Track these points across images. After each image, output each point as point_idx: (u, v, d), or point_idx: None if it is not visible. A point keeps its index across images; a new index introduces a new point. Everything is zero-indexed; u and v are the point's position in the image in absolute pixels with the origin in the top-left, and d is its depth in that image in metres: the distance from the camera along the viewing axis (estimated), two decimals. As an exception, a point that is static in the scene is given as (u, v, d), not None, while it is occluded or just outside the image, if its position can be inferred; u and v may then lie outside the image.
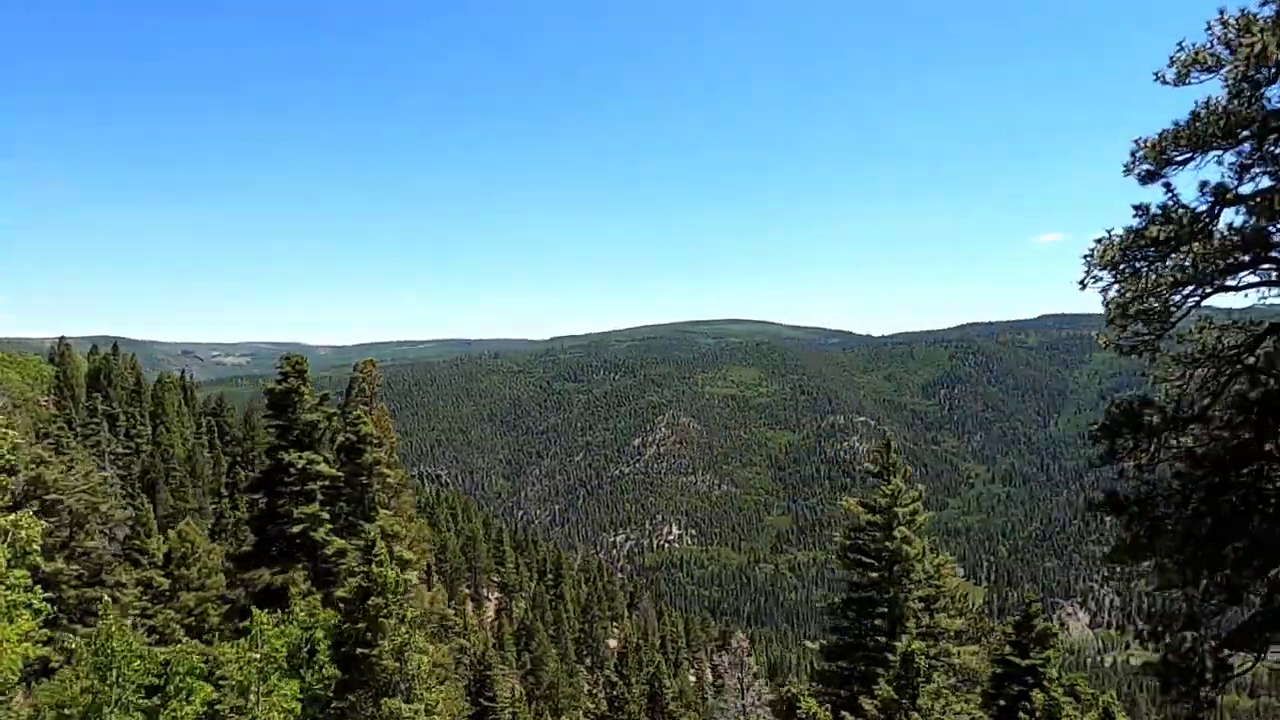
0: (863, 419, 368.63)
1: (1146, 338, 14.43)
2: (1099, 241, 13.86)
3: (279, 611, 23.21)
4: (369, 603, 22.10)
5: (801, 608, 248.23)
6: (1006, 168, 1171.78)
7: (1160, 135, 12.80)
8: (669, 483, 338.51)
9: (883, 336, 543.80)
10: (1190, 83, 12.36)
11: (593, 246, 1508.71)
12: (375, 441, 34.79)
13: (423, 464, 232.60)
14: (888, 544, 29.08)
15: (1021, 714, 27.77)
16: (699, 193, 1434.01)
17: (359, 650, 21.94)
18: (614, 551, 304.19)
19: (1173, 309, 14.07)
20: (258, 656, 19.37)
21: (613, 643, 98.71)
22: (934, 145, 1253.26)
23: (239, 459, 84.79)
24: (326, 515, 31.66)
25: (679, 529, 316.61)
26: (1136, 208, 13.29)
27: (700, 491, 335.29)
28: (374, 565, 22.45)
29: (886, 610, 28.92)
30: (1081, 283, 14.49)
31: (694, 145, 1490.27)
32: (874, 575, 29.00)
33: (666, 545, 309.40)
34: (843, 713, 24.25)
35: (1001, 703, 29.90)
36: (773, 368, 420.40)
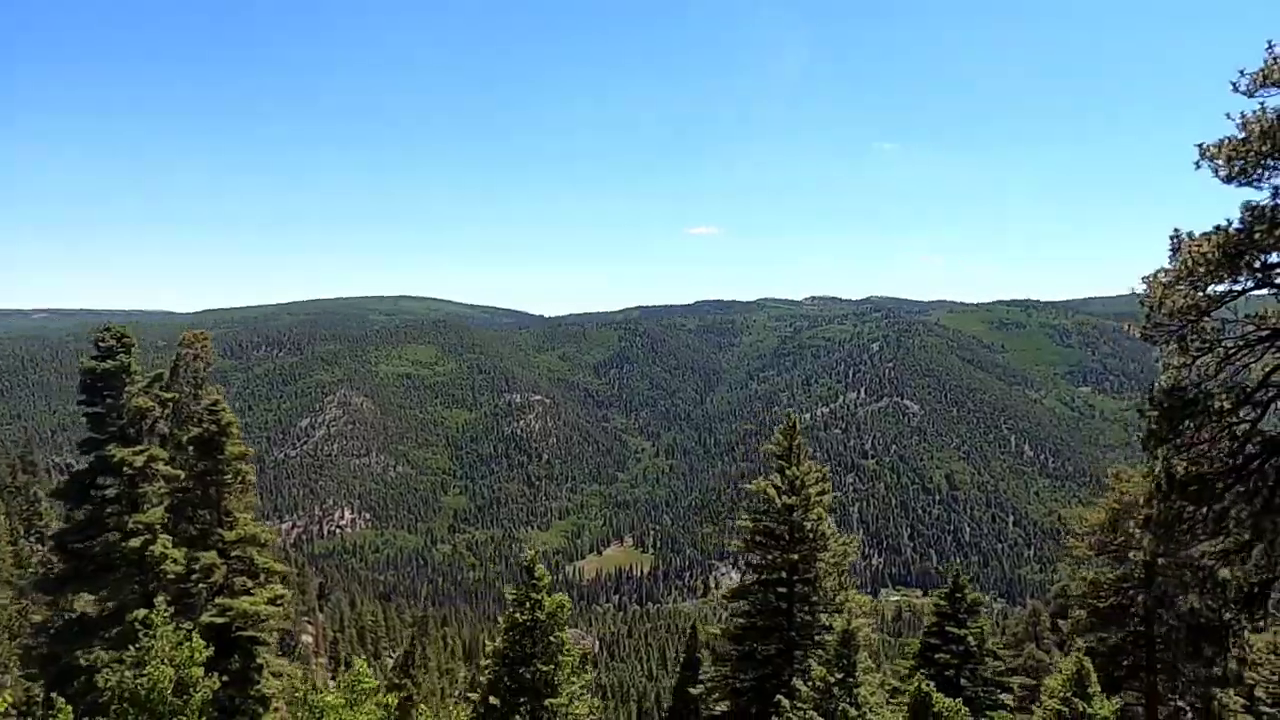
0: (539, 397, 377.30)
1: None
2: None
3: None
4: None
5: (480, 586, 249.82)
6: (664, 163, 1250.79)
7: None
8: (341, 465, 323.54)
9: (556, 317, 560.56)
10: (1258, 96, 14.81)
11: (251, 208, 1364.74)
12: (237, 432, 29.40)
13: (45, 451, 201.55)
14: (805, 524, 29.10)
15: (963, 679, 29.94)
16: (374, 161, 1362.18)
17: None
18: (280, 539, 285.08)
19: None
20: None
21: (308, 638, 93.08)
22: (601, 137, 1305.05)
23: None
24: (164, 524, 26.51)
25: (352, 513, 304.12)
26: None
27: (375, 473, 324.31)
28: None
29: (803, 589, 29.15)
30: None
31: (356, 112, 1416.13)
32: (792, 556, 28.92)
33: (338, 531, 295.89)
34: (778, 695, 23.99)
35: (934, 669, 31.12)
36: (449, 346, 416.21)
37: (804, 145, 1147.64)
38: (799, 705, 22.46)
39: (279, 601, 27.62)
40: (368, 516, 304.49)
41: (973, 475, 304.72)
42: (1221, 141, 16.52)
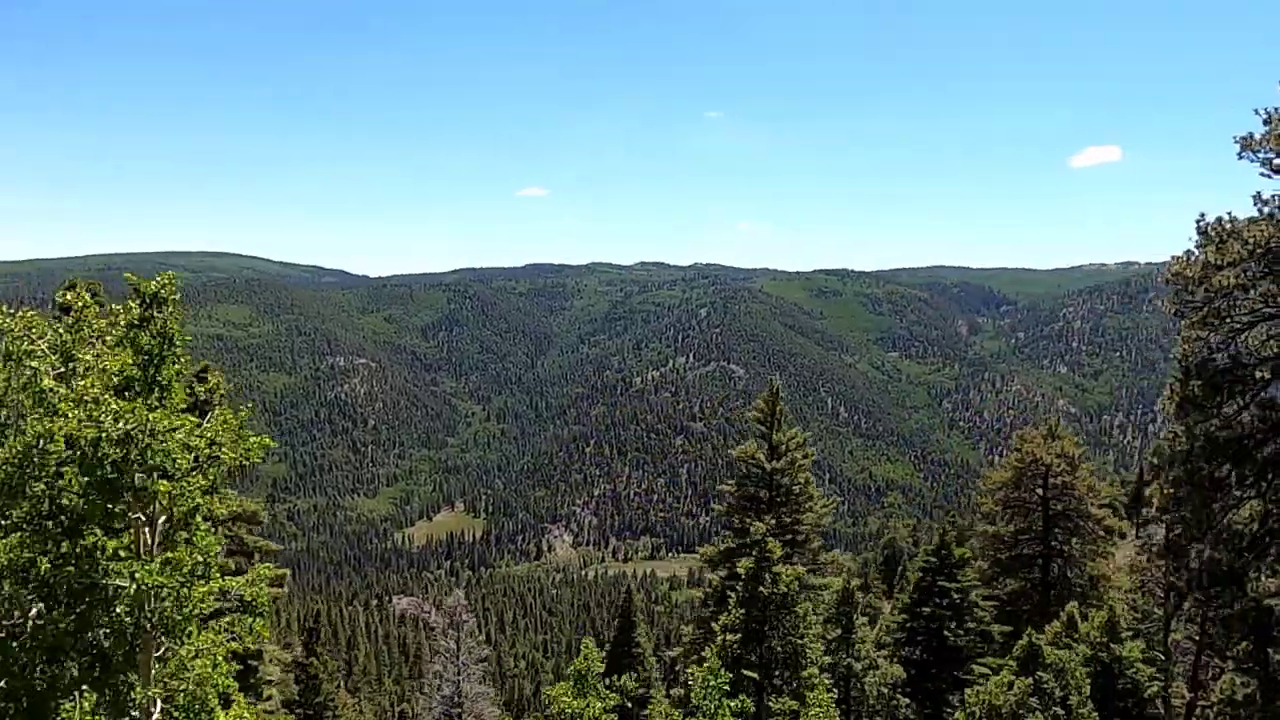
0: (363, 361, 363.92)
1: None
2: None
3: None
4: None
5: (304, 556, 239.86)
6: (492, 122, 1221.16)
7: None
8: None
9: (381, 277, 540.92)
10: None
11: (21, 150, 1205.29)
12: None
13: None
14: (794, 488, 29.59)
15: (946, 632, 29.79)
16: (170, 100, 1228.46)
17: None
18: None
19: None
20: None
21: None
22: (426, 93, 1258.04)
23: None
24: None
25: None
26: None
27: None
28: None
29: (786, 551, 29.01)
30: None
31: (148, 46, 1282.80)
32: (785, 517, 29.25)
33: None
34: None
35: (923, 621, 31.74)
36: (265, 306, 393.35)
37: (631, 110, 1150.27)
38: (805, 662, 22.88)
39: (281, 581, 25.64)
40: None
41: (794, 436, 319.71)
42: (1265, 135, 17.92)
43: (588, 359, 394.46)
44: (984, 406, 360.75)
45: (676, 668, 36.08)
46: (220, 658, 12.58)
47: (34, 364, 11.63)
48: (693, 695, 15.85)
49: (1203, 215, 20.14)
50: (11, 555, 11.40)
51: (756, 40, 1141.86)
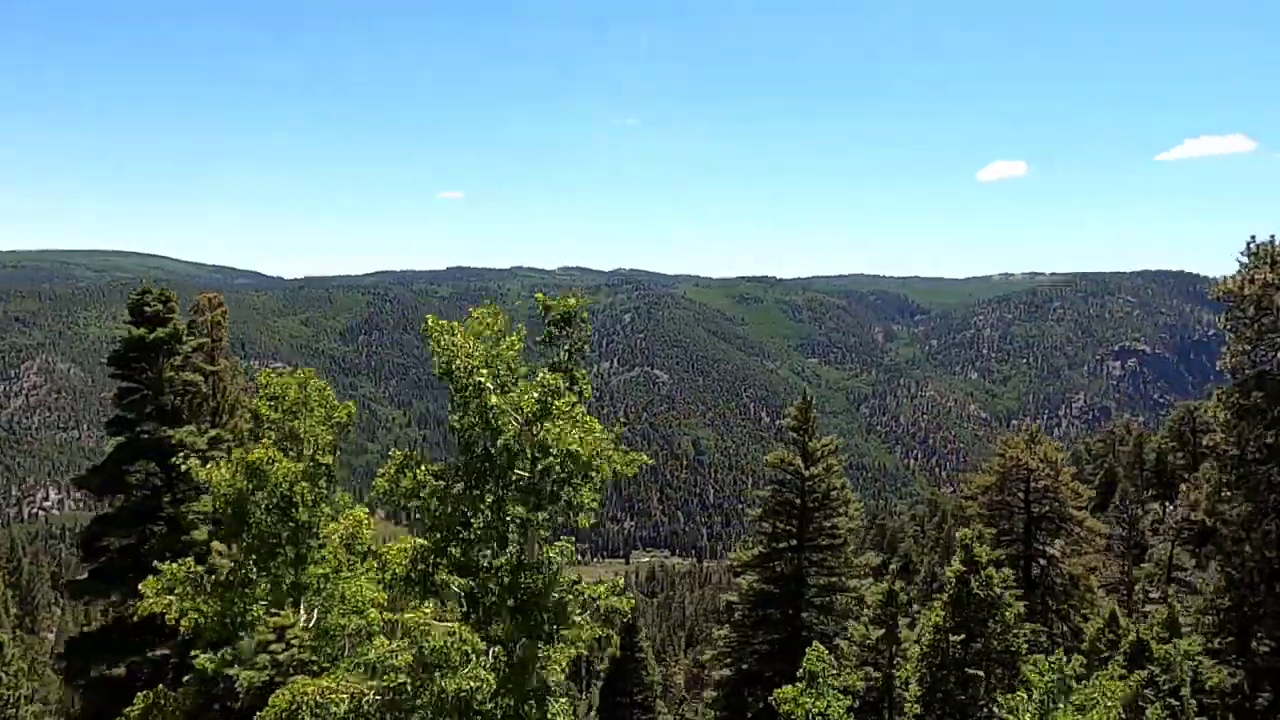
0: (280, 364, 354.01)
1: None
2: None
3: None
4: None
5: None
6: (413, 124, 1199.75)
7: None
8: (43, 439, 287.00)
9: (297, 279, 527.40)
10: None
11: None
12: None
13: None
14: (831, 492, 30.65)
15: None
16: (67, 98, 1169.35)
17: None
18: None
19: None
20: None
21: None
22: (341, 94, 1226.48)
23: None
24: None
25: (58, 493, 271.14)
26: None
27: (87, 448, 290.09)
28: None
29: (818, 556, 30.32)
30: None
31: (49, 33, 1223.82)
32: (807, 525, 30.32)
33: (42, 513, 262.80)
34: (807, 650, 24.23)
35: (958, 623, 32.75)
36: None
37: (553, 114, 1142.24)
38: (841, 661, 23.14)
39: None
40: (79, 497, 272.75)
41: (717, 441, 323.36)
42: None
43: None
44: (900, 411, 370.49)
45: (707, 670, 36.67)
46: None
47: (479, 379, 13.17)
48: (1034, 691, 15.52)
49: (1253, 237, 21.84)
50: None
51: (675, 46, 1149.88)
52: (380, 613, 16.70)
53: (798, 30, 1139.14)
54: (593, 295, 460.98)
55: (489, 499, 13.37)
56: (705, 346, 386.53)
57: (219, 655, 17.64)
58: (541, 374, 13.54)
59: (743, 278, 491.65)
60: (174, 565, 16.88)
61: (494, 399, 12.92)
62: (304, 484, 16.73)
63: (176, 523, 23.77)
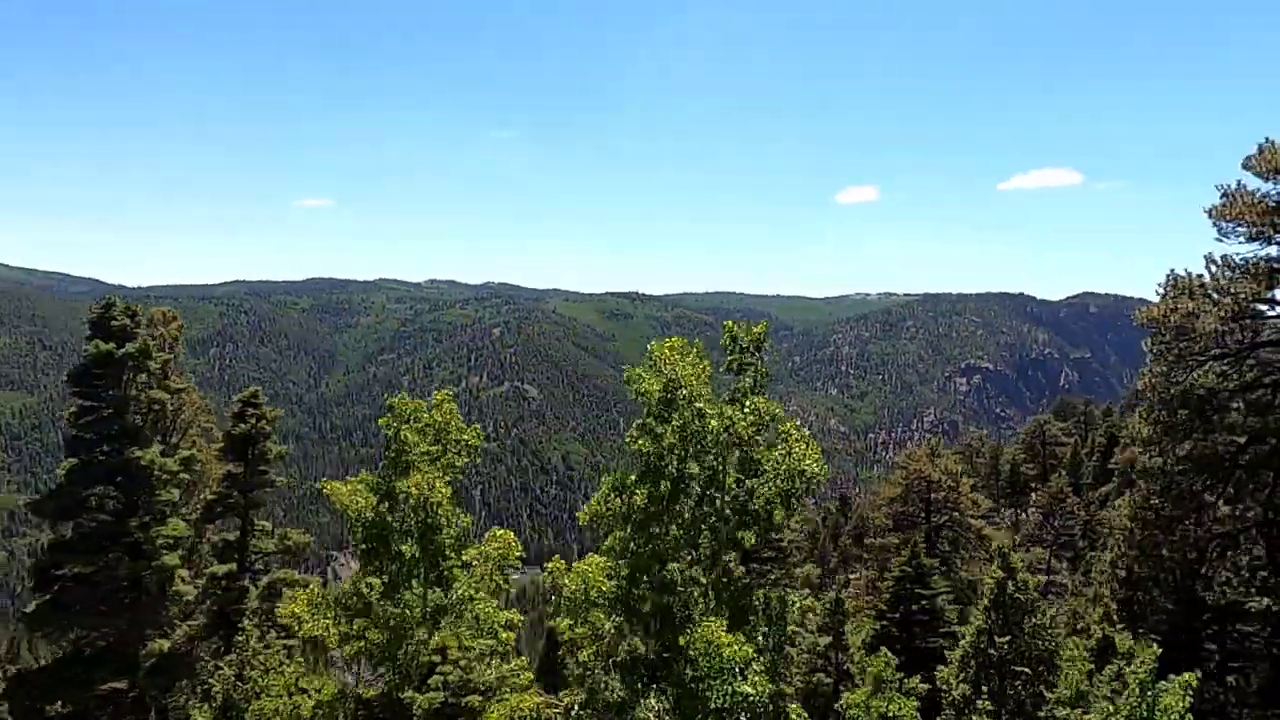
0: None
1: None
2: None
3: None
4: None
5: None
6: (272, 127, 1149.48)
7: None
8: None
9: (142, 288, 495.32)
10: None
11: None
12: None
13: None
14: None
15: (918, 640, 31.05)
16: None
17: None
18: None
19: None
20: None
21: None
22: (186, 87, 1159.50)
23: None
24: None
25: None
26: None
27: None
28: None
29: (761, 567, 31.21)
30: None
31: None
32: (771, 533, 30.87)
33: None
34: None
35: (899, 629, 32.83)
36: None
37: (421, 123, 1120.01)
38: (791, 667, 23.59)
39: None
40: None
41: (587, 456, 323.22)
42: (1220, 207, 23.37)
43: (376, 378, 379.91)
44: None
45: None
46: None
47: (700, 405, 14.12)
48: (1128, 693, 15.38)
49: (1173, 270, 24.50)
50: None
51: (548, 63, 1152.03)
52: (509, 634, 18.25)
53: (662, 59, 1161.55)
54: (462, 309, 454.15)
55: (702, 520, 13.98)
56: (575, 361, 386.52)
57: (391, 679, 18.20)
58: (752, 400, 14.62)
59: (612, 293, 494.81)
60: (311, 589, 18.20)
61: (714, 423, 13.82)
62: (447, 507, 18.05)
63: (139, 548, 22.97)
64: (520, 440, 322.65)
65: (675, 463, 14.04)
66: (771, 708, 13.72)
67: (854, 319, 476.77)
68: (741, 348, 15.09)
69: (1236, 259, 23.55)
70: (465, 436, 19.37)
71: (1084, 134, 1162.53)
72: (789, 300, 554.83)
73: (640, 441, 14.50)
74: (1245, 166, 24.06)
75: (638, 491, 14.36)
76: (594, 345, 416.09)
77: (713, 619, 13.74)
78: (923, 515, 38.03)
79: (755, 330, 15.57)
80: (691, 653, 13.28)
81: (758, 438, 13.98)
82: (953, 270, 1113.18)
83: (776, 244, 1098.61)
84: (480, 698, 15.57)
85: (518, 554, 19.56)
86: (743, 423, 13.95)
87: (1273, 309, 23.95)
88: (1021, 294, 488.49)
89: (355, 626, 17.54)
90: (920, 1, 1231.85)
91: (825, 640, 26.85)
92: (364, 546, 18.22)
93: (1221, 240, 23.88)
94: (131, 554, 23.41)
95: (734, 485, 14.05)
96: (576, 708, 13.98)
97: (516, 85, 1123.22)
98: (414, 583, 17.93)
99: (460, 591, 18.23)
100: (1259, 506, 24.76)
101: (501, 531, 20.01)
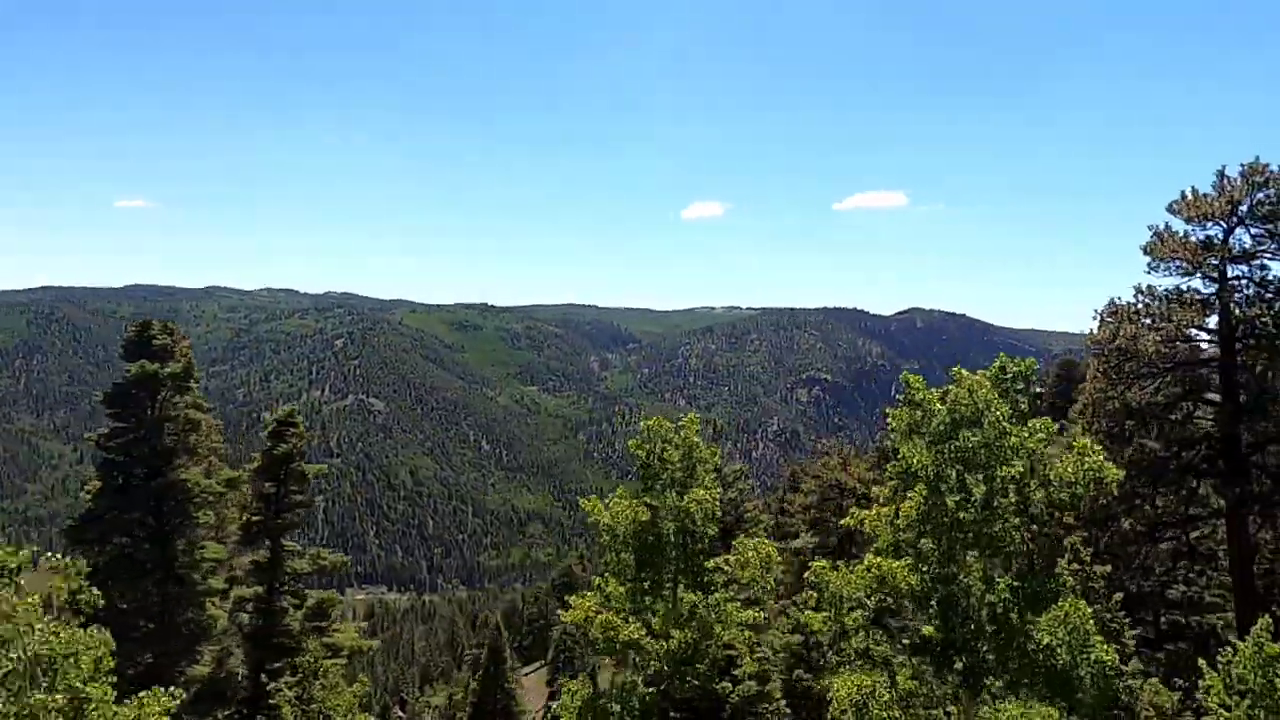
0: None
1: None
2: None
3: None
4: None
5: None
6: (83, 117, 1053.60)
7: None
8: None
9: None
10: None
11: None
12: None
13: None
14: (744, 514, 32.26)
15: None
16: None
17: None
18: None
19: None
20: None
21: None
22: None
23: None
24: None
25: None
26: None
27: None
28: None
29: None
30: None
31: None
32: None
33: None
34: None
35: None
36: None
37: (249, 122, 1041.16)
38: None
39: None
40: None
41: (436, 470, 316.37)
42: (1148, 244, 27.91)
43: (209, 390, 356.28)
44: (616, 438, 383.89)
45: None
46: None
47: (1006, 425, 16.20)
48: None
49: (1113, 299, 28.43)
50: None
51: (395, 62, 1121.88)
52: (751, 633, 20.09)
53: (512, 70, 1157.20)
54: (301, 319, 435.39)
55: (992, 521, 16.21)
56: (423, 374, 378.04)
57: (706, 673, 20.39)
58: (1035, 420, 16.85)
59: (461, 304, 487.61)
60: (585, 598, 19.60)
61: (1013, 439, 16.04)
62: (708, 520, 19.83)
63: (176, 572, 22.42)
64: (366, 455, 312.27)
65: (956, 474, 16.30)
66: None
67: (700, 331, 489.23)
68: (1014, 375, 17.52)
69: (1161, 289, 28.17)
70: (706, 454, 20.80)
71: (908, 160, 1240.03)
72: (638, 313, 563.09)
73: (919, 455, 16.88)
74: (1170, 210, 28.54)
75: (926, 498, 16.72)
76: (443, 357, 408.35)
77: (1074, 599, 16.36)
78: (835, 521, 40.40)
79: (1026, 362, 17.95)
80: (1048, 637, 15.74)
81: (1045, 449, 16.59)
82: (794, 285, 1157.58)
83: (626, 257, 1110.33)
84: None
85: (777, 560, 21.44)
86: (1032, 439, 16.30)
87: (1206, 334, 28.25)
88: (856, 309, 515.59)
89: (661, 627, 19.50)
90: (762, 27, 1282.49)
91: (797, 639, 29.65)
92: (634, 556, 19.77)
93: (1151, 273, 28.42)
94: (171, 578, 23.07)
95: (1021, 490, 16.45)
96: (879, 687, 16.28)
97: (362, 86, 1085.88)
98: (679, 588, 19.81)
99: (717, 595, 19.98)
100: (1183, 504, 28.71)
101: (756, 541, 21.87)
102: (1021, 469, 16.09)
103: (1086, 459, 16.26)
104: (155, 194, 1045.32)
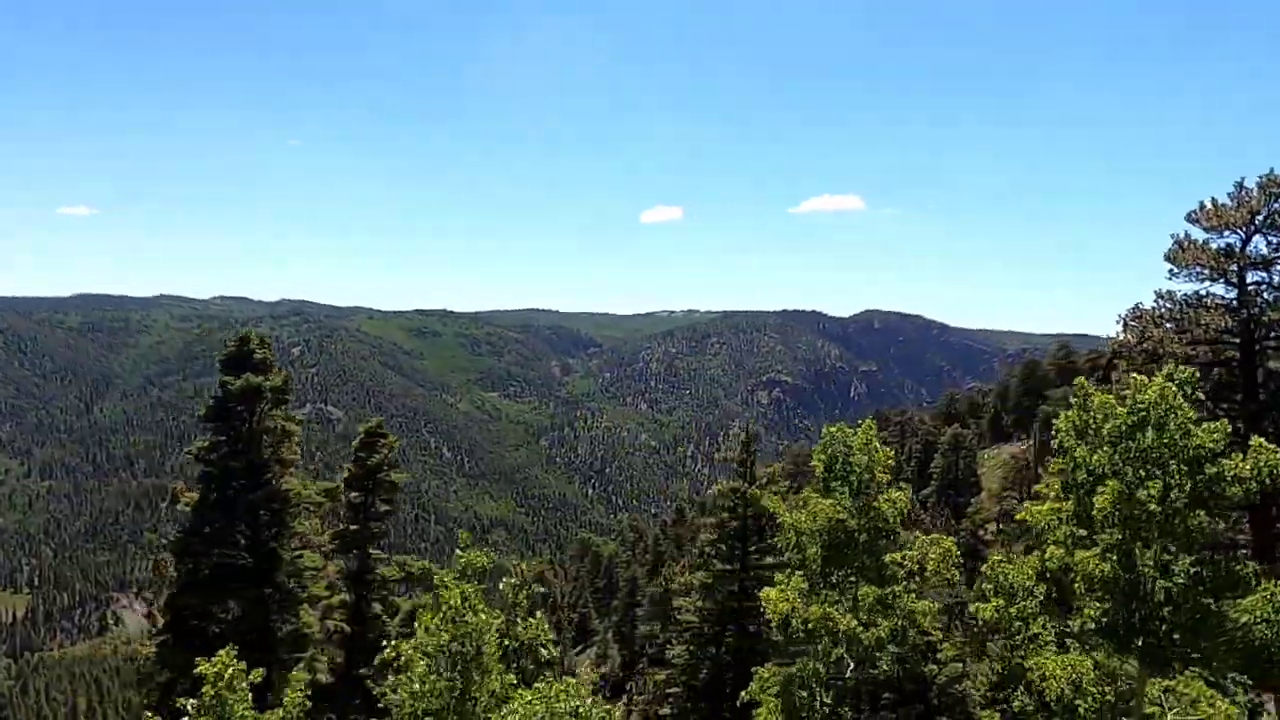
0: None
1: None
2: None
3: None
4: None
5: None
6: (24, 125, 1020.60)
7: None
8: None
9: None
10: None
11: None
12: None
13: None
14: (775, 516, 31.02)
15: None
16: None
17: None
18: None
19: None
20: None
21: None
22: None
23: None
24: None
25: None
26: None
27: None
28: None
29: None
30: None
31: None
32: (773, 540, 31.07)
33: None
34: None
35: None
36: None
37: (202, 128, 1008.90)
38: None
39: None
40: None
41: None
42: (1169, 252, 29.66)
43: (160, 402, 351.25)
44: (578, 443, 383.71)
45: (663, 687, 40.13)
46: None
47: (1182, 418, 16.91)
48: None
49: (1137, 305, 30.13)
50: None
51: (351, 66, 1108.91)
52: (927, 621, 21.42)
53: (474, 76, 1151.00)
54: (256, 328, 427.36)
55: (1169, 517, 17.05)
56: (382, 381, 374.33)
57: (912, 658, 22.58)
58: (1210, 423, 17.19)
59: (419, 310, 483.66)
60: (782, 591, 20.82)
61: (1211, 443, 16.80)
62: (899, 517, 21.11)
63: (270, 577, 22.36)
64: (325, 465, 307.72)
65: (1141, 472, 17.07)
66: None
67: (661, 335, 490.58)
68: (1181, 382, 17.97)
69: (1180, 294, 30.18)
70: (881, 457, 21.65)
71: (863, 164, 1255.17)
72: (598, 317, 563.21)
73: (1095, 457, 17.54)
74: (1189, 220, 30.35)
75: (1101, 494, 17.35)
76: (402, 364, 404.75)
77: (1274, 582, 16.95)
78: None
79: (1188, 372, 18.40)
80: (1246, 616, 16.61)
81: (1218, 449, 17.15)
82: (753, 288, 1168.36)
83: (585, 262, 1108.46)
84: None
85: (958, 555, 22.41)
86: (1210, 439, 16.85)
87: (1228, 337, 30.23)
88: (814, 311, 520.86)
89: (872, 616, 20.74)
90: (720, 31, 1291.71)
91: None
92: (824, 554, 20.93)
93: (1172, 278, 30.39)
94: (272, 587, 23.30)
95: (1211, 486, 17.10)
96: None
97: (313, 89, 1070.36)
98: (860, 582, 20.98)
99: (899, 588, 20.98)
100: None
101: (935, 535, 22.91)
102: (1215, 469, 16.98)
103: (1262, 455, 17.05)
104: (100, 201, 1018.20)
